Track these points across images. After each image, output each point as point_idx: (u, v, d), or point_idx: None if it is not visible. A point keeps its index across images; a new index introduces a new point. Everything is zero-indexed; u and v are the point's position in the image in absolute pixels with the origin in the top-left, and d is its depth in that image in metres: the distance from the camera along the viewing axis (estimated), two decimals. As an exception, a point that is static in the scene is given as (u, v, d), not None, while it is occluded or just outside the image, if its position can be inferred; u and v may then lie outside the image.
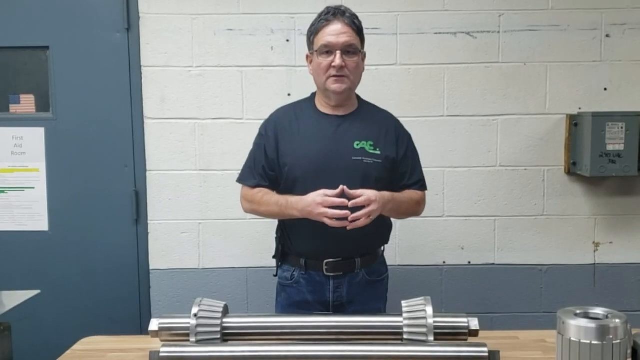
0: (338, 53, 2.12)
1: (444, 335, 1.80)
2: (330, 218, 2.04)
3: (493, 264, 3.08)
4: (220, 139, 3.05)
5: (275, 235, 2.39)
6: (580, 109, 3.05)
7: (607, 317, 1.50)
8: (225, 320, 1.84)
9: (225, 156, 3.05)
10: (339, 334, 1.87)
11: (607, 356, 1.44)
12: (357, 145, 2.20)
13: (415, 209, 2.34)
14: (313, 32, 2.20)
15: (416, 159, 2.35)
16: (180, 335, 1.81)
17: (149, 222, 3.11)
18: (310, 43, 2.22)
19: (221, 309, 1.84)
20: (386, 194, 2.14)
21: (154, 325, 1.81)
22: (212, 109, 3.04)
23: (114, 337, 2.10)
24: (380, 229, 2.27)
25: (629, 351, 1.50)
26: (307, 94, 2.96)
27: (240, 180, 2.36)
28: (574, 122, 3.03)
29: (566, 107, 3.06)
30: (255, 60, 3.02)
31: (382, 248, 2.38)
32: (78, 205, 3.11)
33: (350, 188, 2.10)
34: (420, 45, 3.01)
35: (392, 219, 2.39)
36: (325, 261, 2.22)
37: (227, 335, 1.84)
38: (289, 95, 2.99)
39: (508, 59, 3.02)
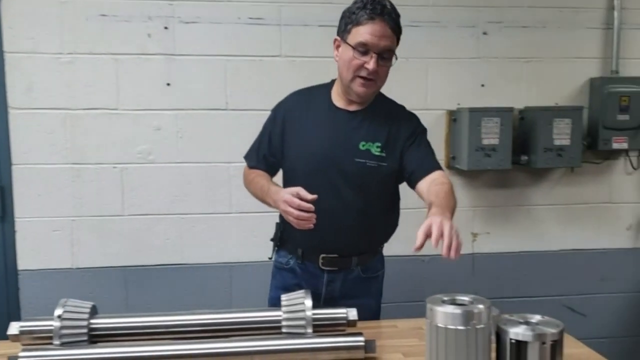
0: (375, 57, 1.96)
1: (323, 327, 1.80)
2: (296, 219, 1.93)
3: (377, 256, 3.10)
4: (94, 131, 2.90)
5: (277, 221, 2.27)
6: (459, 104, 3.13)
7: (472, 303, 1.53)
8: (92, 321, 1.77)
9: (99, 148, 2.91)
10: (215, 331, 1.83)
11: (472, 341, 1.47)
12: (363, 146, 2.07)
13: (455, 197, 2.01)
14: (353, 21, 1.98)
15: (430, 149, 2.15)
16: (43, 338, 1.72)
17: (15, 219, 2.91)
18: (345, 30, 2.01)
19: (88, 310, 1.77)
20: (444, 213, 1.78)
21: (13, 329, 1.71)
22: (84, 98, 2.89)
23: (-27, 343, 1.93)
24: (384, 230, 2.23)
25: (493, 336, 1.54)
26: (189, 83, 2.93)
27: (245, 156, 2.29)
28: (453, 117, 3.10)
29: (446, 102, 3.14)
30: (131, 48, 2.89)
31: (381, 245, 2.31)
32: None
33: (349, 192, 2.05)
34: (304, 37, 2.99)
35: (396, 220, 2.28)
36: (322, 255, 2.15)
37: (96, 337, 1.76)
38: (168, 84, 2.91)
39: (390, 54, 3.05)
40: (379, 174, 2.08)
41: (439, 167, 2.09)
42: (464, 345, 1.47)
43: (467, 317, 1.47)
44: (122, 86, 2.90)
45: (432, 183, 2.00)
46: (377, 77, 2.00)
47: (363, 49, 1.97)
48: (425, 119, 3.04)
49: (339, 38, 2.06)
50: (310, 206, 1.89)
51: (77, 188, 2.92)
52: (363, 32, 1.96)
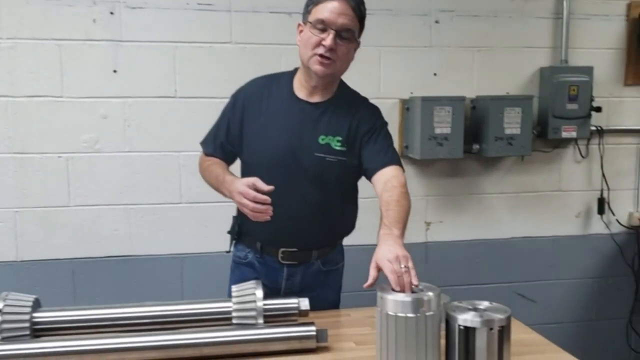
0: (332, 33, 1.92)
1: (274, 317, 1.80)
2: (252, 211, 1.87)
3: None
4: (38, 119, 2.81)
5: (234, 214, 2.21)
6: (412, 93, 3.13)
7: (422, 290, 1.55)
8: (35, 314, 1.74)
9: (43, 137, 2.82)
10: (164, 323, 1.81)
11: (421, 328, 1.48)
12: (323, 140, 2.03)
13: (409, 202, 1.95)
14: (314, 1, 1.97)
15: (390, 143, 2.11)
16: (-16, 333, 1.68)
17: (-45, 211, 2.82)
18: (307, 12, 2.00)
19: (31, 303, 1.74)
20: (392, 235, 1.76)
21: (-48, 324, 1.66)
22: (26, 85, 2.78)
23: None
24: (344, 224, 2.21)
25: (443, 323, 1.56)
26: (136, 70, 2.86)
27: (202, 142, 2.22)
28: (406, 106, 3.10)
29: (399, 91, 3.13)
30: (75, 34, 2.80)
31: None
32: None
33: (307, 186, 2.01)
34: (255, 23, 2.94)
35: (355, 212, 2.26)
36: (281, 249, 2.11)
37: (40, 331, 1.73)
38: (114, 71, 2.83)
39: (343, 42, 3.03)
40: (339, 169, 2.05)
41: (393, 162, 2.05)
42: (414, 333, 1.48)
43: (417, 305, 1.48)
44: (66, 73, 2.80)
45: (384, 186, 1.96)
46: (335, 57, 1.96)
47: (321, 25, 1.94)
48: (379, 107, 3.06)
49: (302, 23, 2.03)
50: (266, 198, 1.84)
51: (20, 178, 2.82)
52: (322, 10, 1.94)
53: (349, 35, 1.96)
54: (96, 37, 2.81)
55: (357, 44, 2.04)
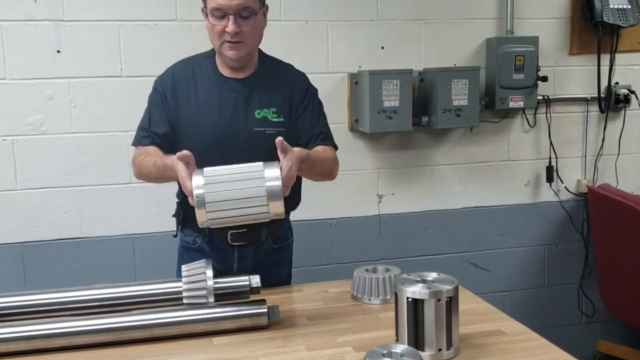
0: (231, 18, 1.90)
1: (225, 295, 1.80)
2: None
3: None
4: (-20, 102, 2.73)
5: (177, 201, 2.17)
6: (360, 67, 3.13)
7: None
8: None
9: (-14, 121, 2.74)
10: (115, 305, 1.80)
11: None
12: (259, 114, 2.03)
13: (331, 167, 2.12)
14: None
15: (322, 114, 2.17)
16: None
17: None
18: None
19: None
20: (298, 150, 1.84)
21: None
22: (-33, 68, 2.71)
23: None
24: (290, 196, 2.15)
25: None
26: (81, 50, 2.80)
27: (135, 143, 2.10)
28: (354, 80, 3.11)
29: (347, 65, 3.12)
30: (16, 14, 2.71)
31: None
32: None
33: (252, 162, 1.95)
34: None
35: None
36: (230, 231, 2.07)
37: None
38: (58, 52, 2.76)
39: (290, 17, 3.01)
40: None
41: (330, 142, 2.13)
42: None
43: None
44: (8, 55, 2.72)
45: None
46: (244, 38, 1.95)
47: (218, 13, 1.92)
48: (327, 83, 3.07)
49: (203, 8, 2.01)
50: None
51: (-37, 163, 2.75)
52: None
53: (249, 13, 1.94)
54: (38, 17, 2.72)
55: (265, 9, 2.02)
